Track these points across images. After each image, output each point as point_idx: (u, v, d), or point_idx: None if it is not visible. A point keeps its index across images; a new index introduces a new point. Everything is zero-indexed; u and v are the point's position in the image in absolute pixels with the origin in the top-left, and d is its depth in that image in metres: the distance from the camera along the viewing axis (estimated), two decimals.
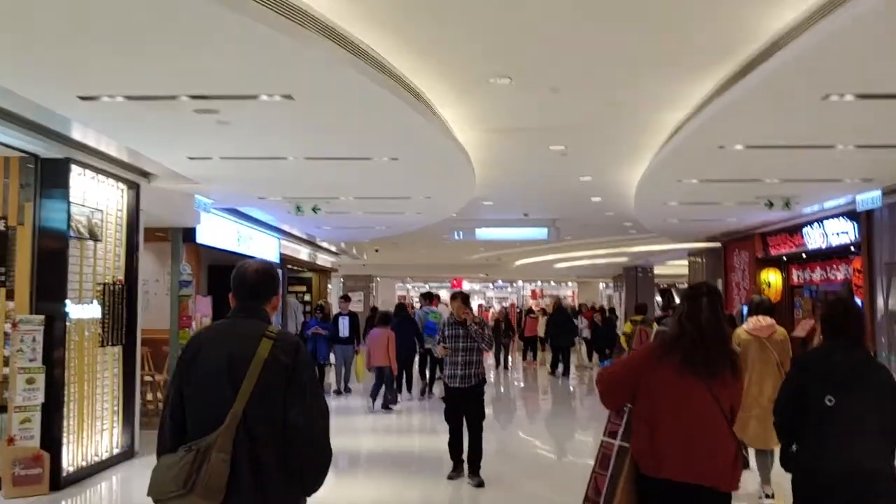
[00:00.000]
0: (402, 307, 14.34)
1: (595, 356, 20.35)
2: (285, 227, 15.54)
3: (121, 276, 8.39)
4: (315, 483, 2.88)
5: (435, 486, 7.52)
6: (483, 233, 15.65)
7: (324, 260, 21.53)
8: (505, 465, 8.41)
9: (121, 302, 8.33)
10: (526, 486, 7.82)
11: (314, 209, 10.29)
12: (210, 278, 15.82)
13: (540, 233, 15.70)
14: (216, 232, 12.14)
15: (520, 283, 46.58)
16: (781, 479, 4.26)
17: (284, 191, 9.96)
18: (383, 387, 12.04)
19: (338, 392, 13.86)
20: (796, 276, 15.15)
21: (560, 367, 17.78)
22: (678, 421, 3.43)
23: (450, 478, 7.53)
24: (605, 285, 46.01)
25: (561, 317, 18.48)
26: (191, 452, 2.73)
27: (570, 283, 49.93)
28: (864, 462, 3.62)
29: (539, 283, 47.95)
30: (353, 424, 11.27)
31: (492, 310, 34.79)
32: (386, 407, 12.08)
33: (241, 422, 2.76)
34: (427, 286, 52.48)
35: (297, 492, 2.88)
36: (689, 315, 3.55)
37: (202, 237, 11.41)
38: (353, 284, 31.65)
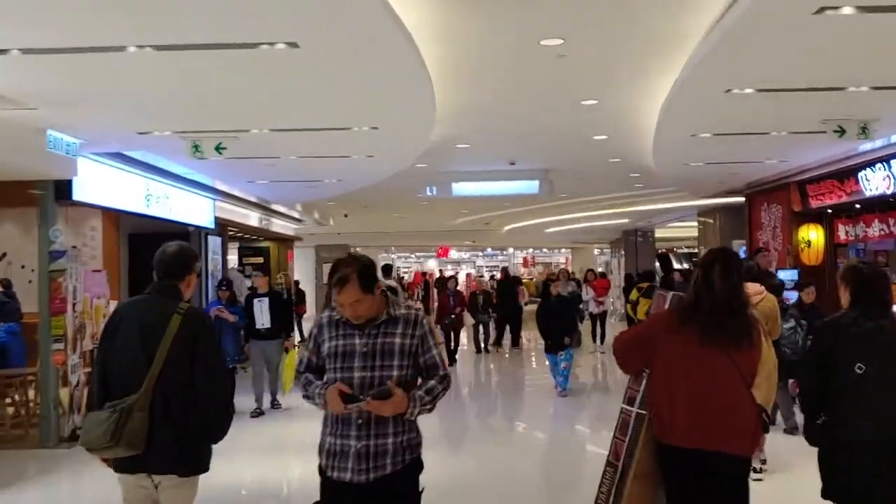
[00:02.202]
0: None
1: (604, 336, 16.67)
2: (221, 186, 12.74)
3: None
4: (219, 434, 3.55)
5: None
6: (461, 188, 12.87)
7: (283, 227, 18.73)
8: None
9: None
10: None
11: (218, 148, 7.50)
12: (132, 249, 13.12)
13: (529, 186, 12.93)
14: (109, 188, 9.32)
15: (510, 250, 43.84)
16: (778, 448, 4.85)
17: (164, 121, 7.15)
18: None
19: (257, 413, 9.66)
20: (844, 232, 12.44)
21: (495, 343, 17.04)
22: (695, 389, 3.46)
23: None
24: (599, 251, 43.55)
25: (508, 286, 18.20)
26: (115, 412, 3.35)
27: (563, 250, 47.39)
28: None
29: (531, 250, 45.30)
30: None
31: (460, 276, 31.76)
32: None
33: (156, 385, 3.39)
34: (414, 256, 49.96)
35: (206, 441, 3.55)
36: (703, 282, 3.53)
37: (82, 193, 8.59)
38: (327, 255, 28.84)
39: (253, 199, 14.90)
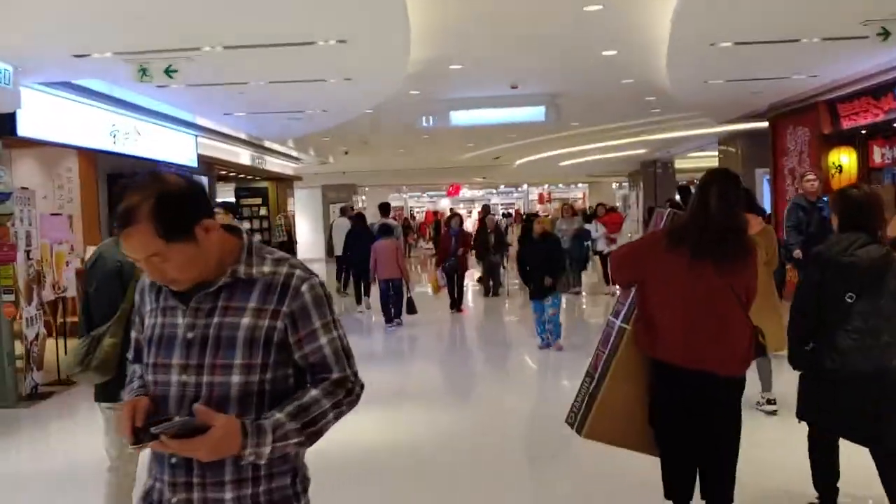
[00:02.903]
0: (361, 217, 14.81)
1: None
2: (201, 121, 11.83)
3: None
4: None
5: None
6: (460, 117, 11.86)
7: (280, 166, 17.85)
8: None
9: None
10: None
11: (168, 72, 6.57)
12: (111, 191, 12.32)
13: (535, 113, 11.90)
14: (65, 122, 8.44)
15: (525, 186, 42.73)
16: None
17: (102, 40, 6.21)
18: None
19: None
20: (879, 155, 11.36)
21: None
22: (687, 308, 3.40)
23: None
24: (618, 185, 42.38)
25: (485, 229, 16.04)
26: (88, 338, 3.49)
27: (579, 185, 46.21)
28: (884, 360, 3.65)
29: (546, 186, 44.16)
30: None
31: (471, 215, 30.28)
32: (398, 318, 11.72)
33: (129, 315, 3.08)
34: (427, 196, 48.97)
35: None
36: (698, 203, 3.48)
37: (31, 128, 7.72)
38: (333, 196, 28.01)
39: (242, 136, 14.00)
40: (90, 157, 12.04)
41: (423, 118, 11.83)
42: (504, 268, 15.85)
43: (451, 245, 12.97)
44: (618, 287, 4.01)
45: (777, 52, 8.05)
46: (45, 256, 8.29)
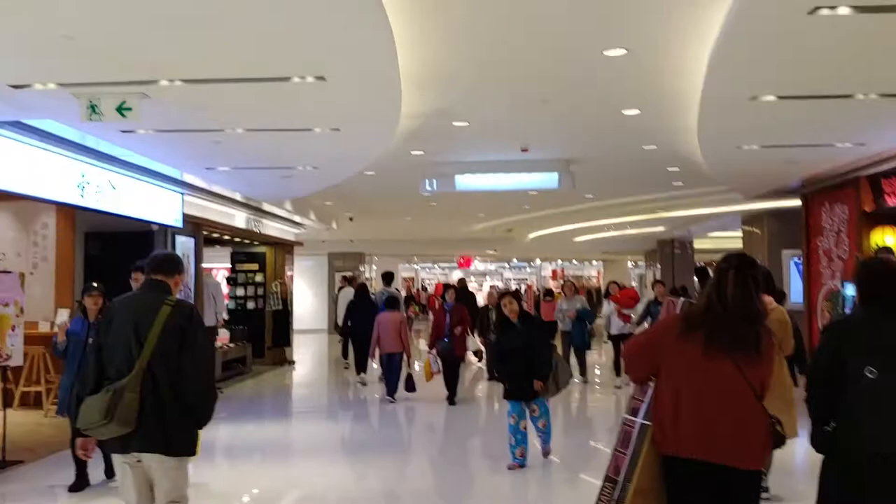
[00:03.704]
0: (363, 287, 14.74)
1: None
2: (189, 178, 10.96)
3: None
4: (204, 416, 3.80)
5: None
6: (465, 181, 10.90)
7: (279, 230, 16.94)
8: None
9: None
10: None
11: (121, 109, 5.65)
12: (87, 249, 11.45)
13: (547, 180, 10.94)
14: (19, 169, 7.52)
15: (538, 261, 41.70)
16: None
17: (42, 67, 5.31)
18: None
19: None
20: None
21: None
22: (702, 398, 3.30)
23: None
24: (633, 264, 41.36)
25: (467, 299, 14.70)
26: (109, 392, 3.62)
27: (594, 262, 45.21)
28: None
29: (559, 261, 43.15)
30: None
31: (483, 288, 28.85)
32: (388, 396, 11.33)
33: (147, 369, 3.66)
34: (438, 267, 48.01)
35: (192, 423, 3.78)
36: (714, 289, 3.40)
37: None
38: (340, 264, 27.09)
39: (235, 197, 13.12)
40: (68, 214, 11.20)
41: (427, 182, 10.90)
42: None
43: (444, 322, 11.05)
44: (632, 382, 3.71)
45: (825, 112, 7.07)
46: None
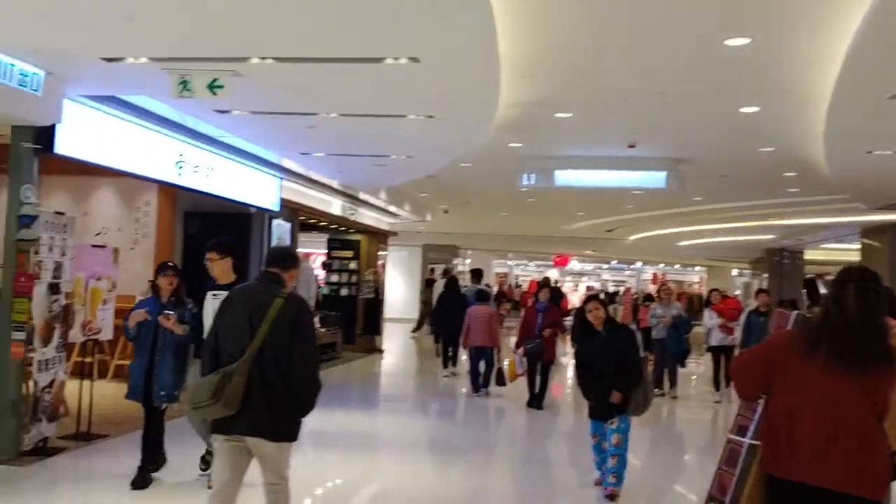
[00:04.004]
0: (453, 279, 15.09)
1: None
2: (287, 163, 10.94)
3: None
4: (309, 405, 3.99)
5: None
6: (565, 176, 10.44)
7: (374, 219, 16.88)
8: None
9: None
10: None
11: (212, 87, 5.52)
12: (186, 228, 11.59)
13: (653, 179, 10.37)
14: (117, 145, 7.56)
15: (638, 264, 40.56)
16: None
17: (134, 41, 5.22)
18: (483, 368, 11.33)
19: None
20: None
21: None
22: (818, 418, 3.10)
23: None
24: (738, 272, 39.72)
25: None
26: (219, 375, 3.83)
27: (696, 268, 43.69)
28: None
29: (661, 265, 41.86)
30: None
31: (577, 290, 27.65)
32: (486, 387, 11.27)
33: (257, 356, 3.85)
34: (533, 265, 47.41)
35: (296, 411, 3.97)
36: (834, 303, 3.17)
37: (72, 146, 6.83)
38: (434, 256, 26.96)
39: (332, 184, 13.08)
40: (169, 193, 11.37)
41: (525, 176, 10.50)
42: None
43: (535, 323, 10.32)
44: (739, 399, 3.52)
45: None
46: (78, 292, 7.35)
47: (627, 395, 5.96)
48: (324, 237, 17.30)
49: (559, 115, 7.93)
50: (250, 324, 3.90)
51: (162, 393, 5.90)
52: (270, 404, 3.85)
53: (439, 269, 24.42)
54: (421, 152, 9.01)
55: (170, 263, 6.15)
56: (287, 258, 4.24)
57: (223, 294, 5.39)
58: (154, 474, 6.12)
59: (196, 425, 5.91)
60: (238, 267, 11.53)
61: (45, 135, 6.56)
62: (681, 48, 5.72)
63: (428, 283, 21.73)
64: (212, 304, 5.52)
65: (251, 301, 4.00)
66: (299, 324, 3.93)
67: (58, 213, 7.10)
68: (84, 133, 7.01)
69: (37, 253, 6.60)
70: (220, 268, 5.63)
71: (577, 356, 6.36)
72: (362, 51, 5.13)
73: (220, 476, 4.06)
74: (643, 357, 6.91)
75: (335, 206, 14.28)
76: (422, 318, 21.92)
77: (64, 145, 6.72)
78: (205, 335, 5.26)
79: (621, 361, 5.98)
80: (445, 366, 13.52)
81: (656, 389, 11.71)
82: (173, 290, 5.99)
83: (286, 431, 3.97)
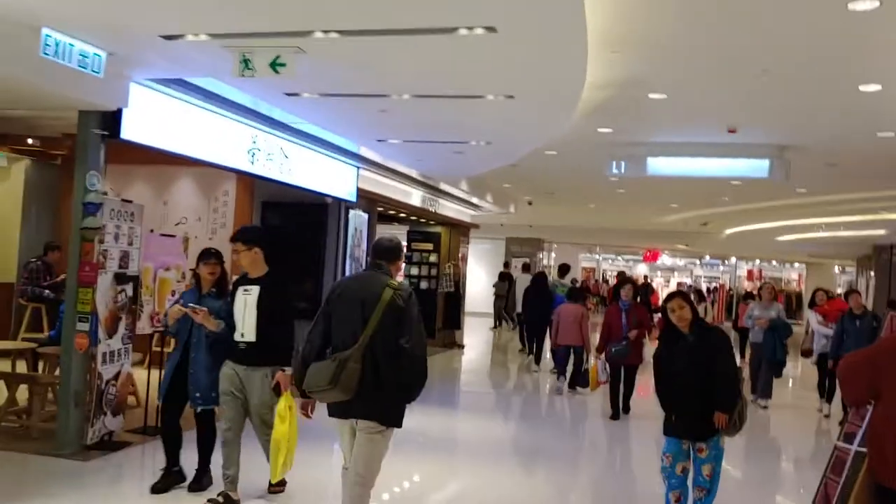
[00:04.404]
0: (541, 275, 14.71)
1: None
2: (365, 152, 10.60)
3: None
4: (415, 392, 4.13)
5: None
6: (659, 164, 9.72)
7: (456, 211, 16.44)
8: None
9: None
10: None
11: (274, 65, 5.14)
12: (264, 218, 11.41)
13: (755, 167, 9.53)
14: (186, 130, 7.30)
15: (733, 260, 38.92)
16: None
17: (193, 16, 4.87)
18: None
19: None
20: None
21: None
22: None
23: None
24: (840, 269, 37.64)
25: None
26: (335, 361, 4.01)
27: (795, 265, 41.63)
28: None
29: (757, 261, 40.04)
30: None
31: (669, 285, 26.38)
32: (573, 388, 11.03)
33: (368, 343, 4.02)
34: (622, 259, 46.16)
35: (403, 397, 4.13)
36: None
37: (139, 132, 6.60)
38: (517, 249, 26.36)
39: (411, 174, 12.69)
40: (247, 183, 11.20)
41: (614, 164, 9.83)
42: None
43: (619, 324, 9.37)
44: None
45: None
46: (146, 283, 7.15)
47: (728, 413, 4.90)
48: (404, 229, 16.96)
49: (652, 96, 7.26)
50: (362, 312, 4.05)
51: (197, 395, 5.41)
52: (381, 390, 4.03)
53: (517, 263, 23.77)
54: (501, 138, 8.46)
55: (212, 250, 5.61)
56: (393, 251, 4.37)
57: (254, 289, 5.12)
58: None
59: (261, 440, 5.36)
60: (313, 256, 11.34)
61: (112, 120, 6.35)
62: (791, 16, 5.01)
63: (501, 278, 21.12)
64: (242, 299, 5.16)
65: (361, 290, 4.16)
66: (408, 314, 4.07)
67: (125, 200, 6.90)
68: (152, 118, 6.78)
69: (102, 242, 6.41)
70: (248, 259, 5.24)
71: (657, 363, 5.21)
72: (432, 20, 4.63)
73: (348, 453, 4.25)
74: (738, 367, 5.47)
75: (415, 197, 13.89)
76: (497, 314, 21.41)
77: (131, 131, 6.49)
78: (236, 333, 5.06)
79: (711, 371, 4.92)
80: (537, 361, 13.55)
81: (762, 400, 10.88)
82: (215, 280, 5.50)
83: (395, 417, 4.13)
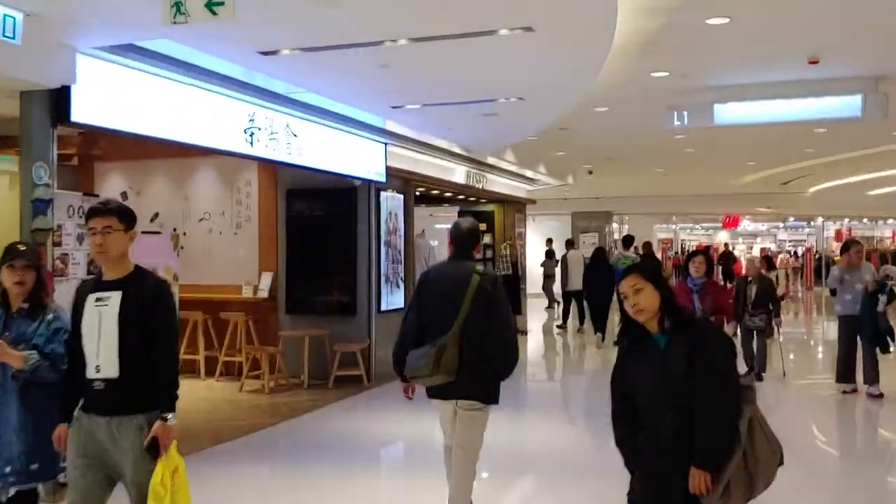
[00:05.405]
0: (600, 250, 14.62)
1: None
2: (390, 126, 9.45)
3: None
4: (507, 370, 4.35)
5: None
6: (728, 112, 8.24)
7: (510, 187, 15.17)
8: None
9: None
10: None
11: (210, 6, 4.02)
12: (290, 207, 10.40)
13: (844, 106, 7.98)
14: (161, 108, 6.26)
15: (819, 220, 36.37)
16: None
17: None
18: None
19: None
20: None
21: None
22: None
23: None
24: None
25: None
26: (434, 348, 4.19)
27: (888, 221, 38.77)
28: None
29: (846, 220, 37.34)
30: None
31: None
32: None
33: (462, 328, 4.21)
34: (700, 228, 43.93)
35: (495, 376, 4.35)
36: None
37: (91, 113, 5.58)
38: (585, 224, 24.85)
39: (451, 149, 11.51)
40: (270, 170, 10.23)
41: (675, 114, 8.42)
42: (772, 339, 10.45)
43: (690, 300, 6.99)
44: None
45: None
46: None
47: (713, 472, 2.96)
48: (454, 209, 15.77)
49: (712, 21, 5.88)
50: (453, 299, 4.24)
51: (7, 470, 3.71)
52: (477, 371, 4.23)
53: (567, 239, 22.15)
54: (533, 91, 7.13)
55: (20, 247, 3.85)
56: (470, 235, 4.53)
57: (113, 296, 3.28)
58: None
59: None
60: (344, 246, 10.17)
61: (58, 99, 5.36)
62: None
63: (548, 255, 19.79)
64: (95, 313, 3.34)
65: (451, 279, 4.36)
66: (496, 298, 4.26)
67: (87, 194, 5.92)
68: (114, 97, 5.77)
69: (57, 244, 5.44)
70: (121, 246, 3.40)
71: (612, 382, 3.30)
72: None
73: (451, 431, 4.43)
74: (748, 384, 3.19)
75: (458, 174, 12.69)
76: (550, 296, 20.04)
77: (83, 112, 5.50)
78: (88, 367, 3.27)
79: (688, 396, 2.99)
80: (597, 331, 13.39)
81: (845, 385, 9.03)
82: (27, 292, 3.77)
83: (493, 395, 4.37)
